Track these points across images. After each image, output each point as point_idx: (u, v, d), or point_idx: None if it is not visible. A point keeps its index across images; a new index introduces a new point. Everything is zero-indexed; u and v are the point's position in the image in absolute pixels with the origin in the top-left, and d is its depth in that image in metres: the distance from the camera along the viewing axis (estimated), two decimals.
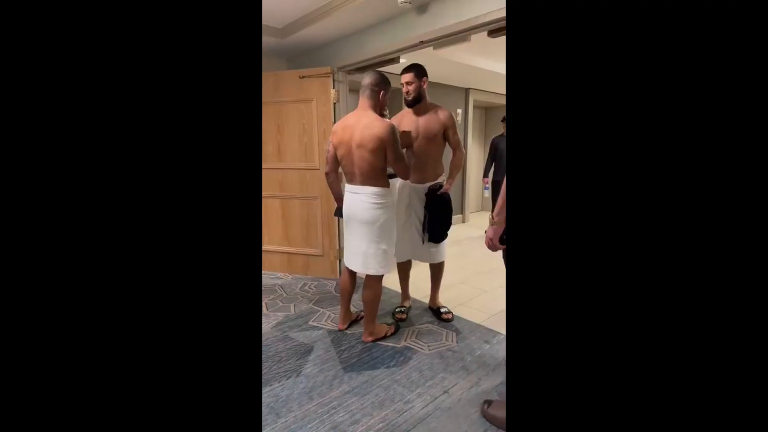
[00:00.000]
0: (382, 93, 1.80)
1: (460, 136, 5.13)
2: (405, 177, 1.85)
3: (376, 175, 1.78)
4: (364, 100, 1.80)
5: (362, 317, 2.10)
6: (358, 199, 1.81)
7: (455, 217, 5.01)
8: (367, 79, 1.80)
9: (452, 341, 1.97)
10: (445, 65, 3.52)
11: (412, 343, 1.95)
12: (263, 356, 1.84)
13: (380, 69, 2.80)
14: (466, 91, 4.82)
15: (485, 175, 4.26)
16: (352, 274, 2.01)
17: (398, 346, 1.93)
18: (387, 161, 1.76)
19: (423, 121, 2.05)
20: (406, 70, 2.00)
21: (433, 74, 4.02)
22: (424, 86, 2.03)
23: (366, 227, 1.82)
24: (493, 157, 4.14)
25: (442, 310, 2.24)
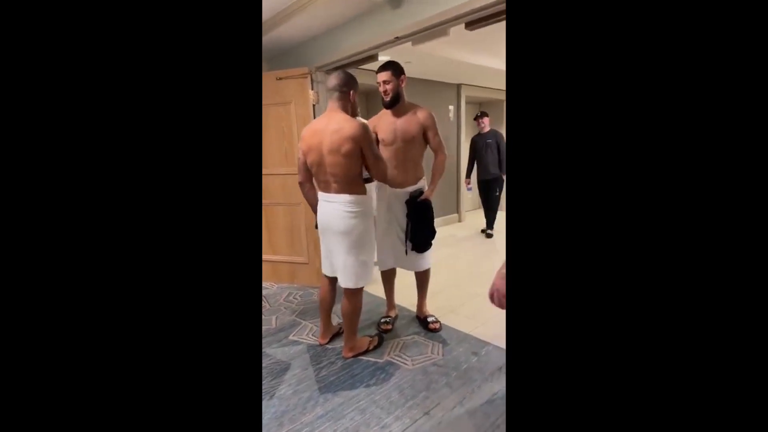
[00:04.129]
0: (351, 93, 1.68)
1: (453, 133, 5.00)
2: (383, 179, 1.74)
3: (351, 182, 1.65)
4: (332, 102, 1.68)
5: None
6: (333, 208, 1.69)
7: (450, 217, 4.88)
8: (333, 80, 1.68)
9: (438, 353, 1.86)
10: (433, 61, 3.40)
11: (396, 358, 1.84)
12: None
13: (361, 67, 2.69)
14: (458, 87, 4.68)
15: (467, 176, 4.15)
16: (332, 285, 1.89)
17: (380, 361, 1.82)
18: (364, 164, 1.65)
19: (401, 122, 1.93)
20: (382, 68, 1.88)
21: (422, 71, 3.92)
22: (402, 85, 1.91)
23: (342, 238, 1.70)
24: (473, 157, 4.03)
25: (429, 319, 2.13)
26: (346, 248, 1.71)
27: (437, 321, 2.13)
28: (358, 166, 1.63)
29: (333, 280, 1.88)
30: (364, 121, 1.67)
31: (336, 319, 2.15)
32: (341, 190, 1.66)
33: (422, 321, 2.16)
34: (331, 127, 1.60)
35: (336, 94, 1.66)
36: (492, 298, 1.01)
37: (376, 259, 1.91)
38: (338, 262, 1.75)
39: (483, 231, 4.26)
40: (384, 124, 1.96)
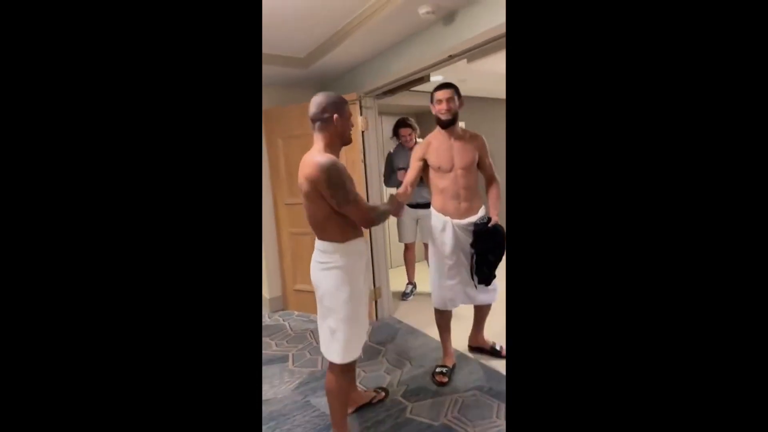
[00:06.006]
0: (336, 116, 1.32)
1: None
2: (365, 225, 1.35)
3: (320, 226, 1.33)
4: (315, 135, 1.35)
5: (377, 399, 1.72)
6: (312, 257, 1.40)
7: None
8: (311, 107, 1.33)
9: (503, 418, 1.57)
10: (491, 78, 3.17)
11: (454, 421, 1.58)
12: (278, 431, 1.59)
13: (413, 89, 2.55)
14: None
15: None
16: None
17: (436, 424, 1.57)
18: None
19: (459, 146, 1.79)
20: (445, 86, 1.76)
21: (478, 88, 3.69)
22: (460, 108, 1.80)
23: (316, 294, 1.38)
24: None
25: (497, 347, 2.02)
26: (318, 308, 1.39)
27: (503, 347, 2.03)
28: (325, 209, 1.29)
29: None
30: (333, 157, 1.27)
31: (361, 386, 1.94)
32: (319, 236, 1.36)
33: (486, 351, 2.07)
34: (302, 164, 1.32)
35: (317, 124, 1.32)
36: None
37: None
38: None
39: None
40: (440, 148, 1.80)
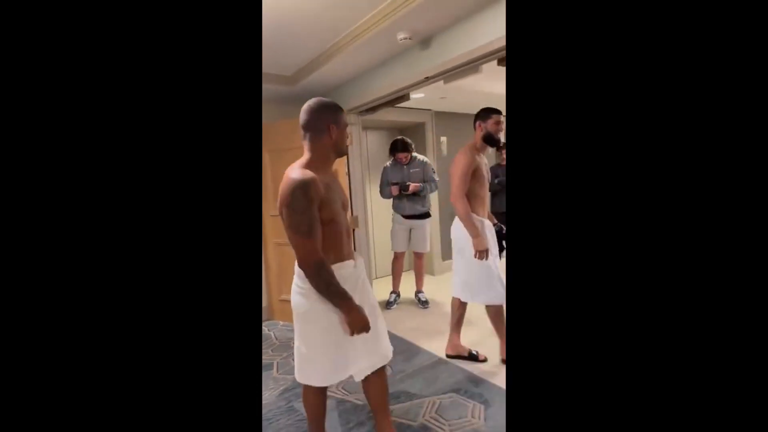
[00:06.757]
0: (332, 126, 1.18)
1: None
2: (303, 267, 1.13)
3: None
4: (305, 146, 1.20)
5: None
6: None
7: None
8: (303, 115, 1.19)
9: (479, 417, 1.66)
10: (469, 95, 3.34)
11: (432, 421, 1.66)
12: None
13: (398, 105, 2.69)
14: None
15: None
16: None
17: (414, 424, 1.65)
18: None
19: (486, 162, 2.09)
20: (499, 111, 1.96)
21: (457, 105, 3.86)
22: None
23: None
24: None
25: (474, 352, 2.17)
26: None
27: None
28: None
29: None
30: (301, 177, 1.09)
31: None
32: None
33: (465, 357, 2.17)
34: None
35: (308, 135, 1.18)
36: None
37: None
38: None
39: None
40: (481, 162, 2.02)
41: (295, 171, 1.11)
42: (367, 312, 1.20)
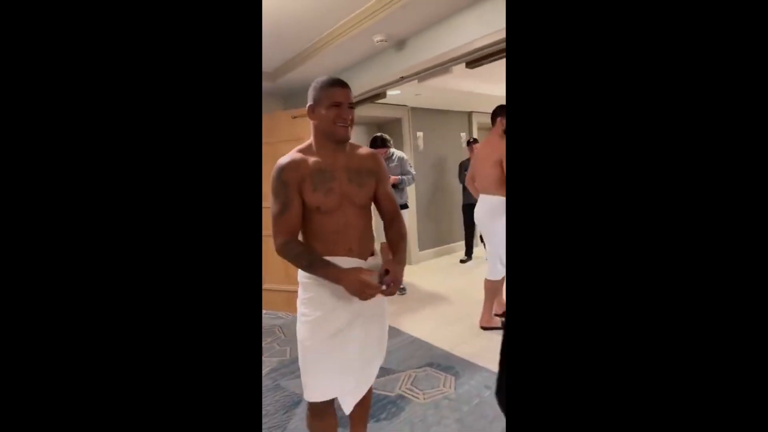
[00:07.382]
0: (313, 107, 1.10)
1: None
2: (276, 248, 1.07)
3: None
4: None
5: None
6: None
7: (458, 244, 4.86)
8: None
9: (450, 387, 1.84)
10: (442, 93, 3.51)
11: (408, 391, 1.83)
12: None
13: (377, 101, 2.82)
14: (469, 114, 4.77)
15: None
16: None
17: (392, 395, 1.81)
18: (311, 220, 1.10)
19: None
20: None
21: (431, 102, 4.03)
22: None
23: None
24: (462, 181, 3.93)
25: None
26: None
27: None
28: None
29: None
30: (286, 160, 1.09)
31: None
32: None
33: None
34: None
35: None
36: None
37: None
38: None
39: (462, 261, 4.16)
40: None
41: (286, 155, 1.10)
42: (338, 336, 1.11)
